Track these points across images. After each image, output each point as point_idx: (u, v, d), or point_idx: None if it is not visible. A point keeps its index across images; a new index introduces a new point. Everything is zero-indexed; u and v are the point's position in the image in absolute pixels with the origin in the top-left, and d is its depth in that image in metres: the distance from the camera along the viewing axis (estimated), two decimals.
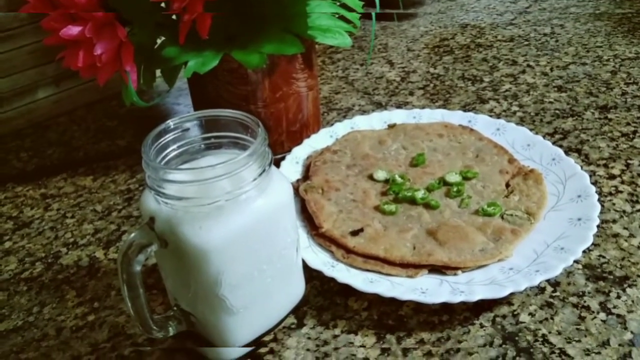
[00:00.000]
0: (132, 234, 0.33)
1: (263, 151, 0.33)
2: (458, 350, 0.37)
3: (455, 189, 0.48)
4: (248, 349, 0.38)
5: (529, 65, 0.74)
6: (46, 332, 0.41)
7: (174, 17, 0.49)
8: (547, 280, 0.42)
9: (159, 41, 0.50)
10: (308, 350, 0.38)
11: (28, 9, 0.45)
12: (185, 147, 0.36)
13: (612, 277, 0.42)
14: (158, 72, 0.53)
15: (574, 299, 0.40)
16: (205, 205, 0.31)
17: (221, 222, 0.32)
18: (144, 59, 0.50)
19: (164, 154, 0.34)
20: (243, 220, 0.33)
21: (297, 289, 0.40)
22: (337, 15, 0.52)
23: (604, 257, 0.44)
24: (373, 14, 0.54)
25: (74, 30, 0.44)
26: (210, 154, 0.36)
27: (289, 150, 0.54)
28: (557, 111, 0.63)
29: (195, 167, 0.35)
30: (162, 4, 0.48)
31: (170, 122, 0.35)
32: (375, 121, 0.58)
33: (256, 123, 0.34)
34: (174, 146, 0.35)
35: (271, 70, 0.51)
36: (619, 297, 0.40)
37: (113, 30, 0.45)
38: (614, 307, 0.39)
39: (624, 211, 0.48)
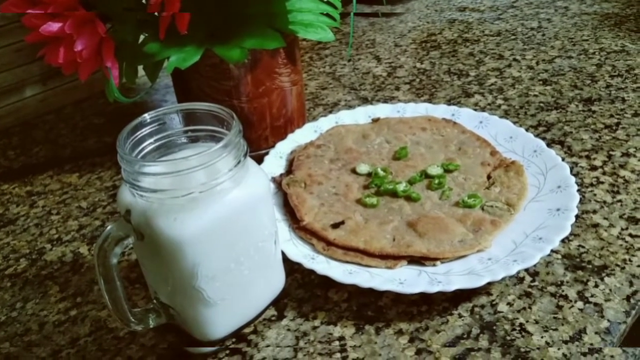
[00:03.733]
0: (109, 227, 0.33)
1: (237, 142, 0.33)
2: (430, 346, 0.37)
3: (436, 181, 0.48)
4: (227, 341, 0.38)
5: (515, 59, 0.74)
6: (29, 327, 0.41)
7: (155, 12, 0.49)
8: (527, 270, 0.42)
9: (142, 37, 0.50)
10: (287, 341, 0.38)
11: (7, 7, 0.45)
12: (162, 140, 0.36)
13: (590, 266, 0.42)
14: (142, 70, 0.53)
15: (552, 289, 0.41)
16: (179, 197, 0.32)
17: (196, 214, 0.32)
18: (126, 55, 0.50)
19: (140, 147, 0.35)
20: (218, 211, 0.33)
21: (276, 281, 0.40)
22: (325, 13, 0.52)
23: (583, 247, 0.44)
24: (351, 13, 0.54)
25: (54, 26, 0.44)
26: (188, 148, 0.37)
27: (273, 146, 0.54)
28: (541, 104, 0.63)
29: (169, 159, 0.35)
30: (143, 0, 0.48)
31: (147, 116, 0.35)
32: (360, 115, 0.58)
33: (230, 115, 0.34)
34: (151, 140, 0.35)
35: (253, 66, 0.51)
36: (597, 286, 0.40)
37: (93, 26, 0.45)
38: (592, 295, 0.40)
39: (604, 202, 0.48)
